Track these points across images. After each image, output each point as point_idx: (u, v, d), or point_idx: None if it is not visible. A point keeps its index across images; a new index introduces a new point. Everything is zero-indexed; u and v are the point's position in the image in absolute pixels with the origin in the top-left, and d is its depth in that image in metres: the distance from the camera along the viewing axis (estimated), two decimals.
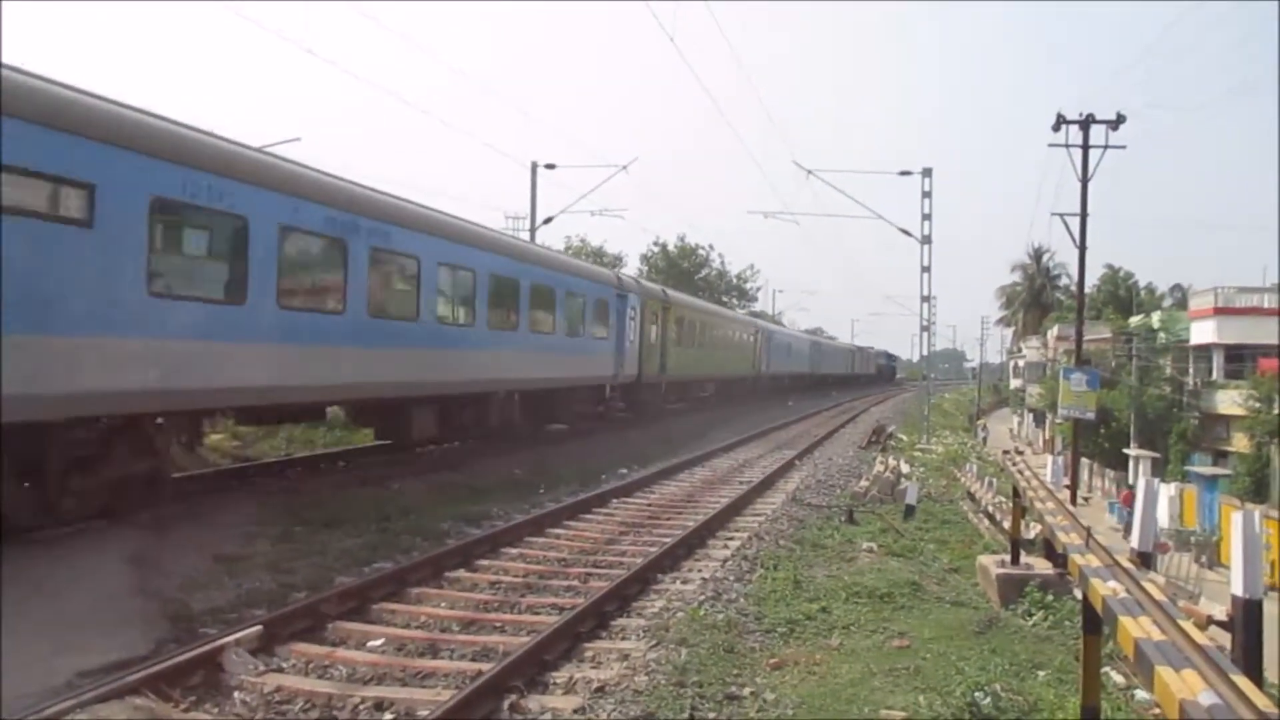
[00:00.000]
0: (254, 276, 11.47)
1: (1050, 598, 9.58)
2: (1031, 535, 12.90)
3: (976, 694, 6.61)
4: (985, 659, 7.52)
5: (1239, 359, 39.73)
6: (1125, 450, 43.21)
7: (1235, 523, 10.93)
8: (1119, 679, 7.60)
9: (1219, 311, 40.67)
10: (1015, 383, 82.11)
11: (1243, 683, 3.55)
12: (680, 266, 73.21)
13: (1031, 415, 71.08)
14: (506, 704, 6.15)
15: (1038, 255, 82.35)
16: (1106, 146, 26.64)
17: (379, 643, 7.38)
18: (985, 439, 52.10)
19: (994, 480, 20.19)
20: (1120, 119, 26.42)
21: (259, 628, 6.97)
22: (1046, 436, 59.65)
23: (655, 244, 74.37)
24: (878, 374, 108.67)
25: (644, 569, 9.70)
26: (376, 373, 14.21)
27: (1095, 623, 5.46)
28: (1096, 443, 43.79)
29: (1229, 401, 37.93)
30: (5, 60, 8.33)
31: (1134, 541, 15.48)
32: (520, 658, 6.66)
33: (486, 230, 19.62)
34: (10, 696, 5.59)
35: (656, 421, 28.25)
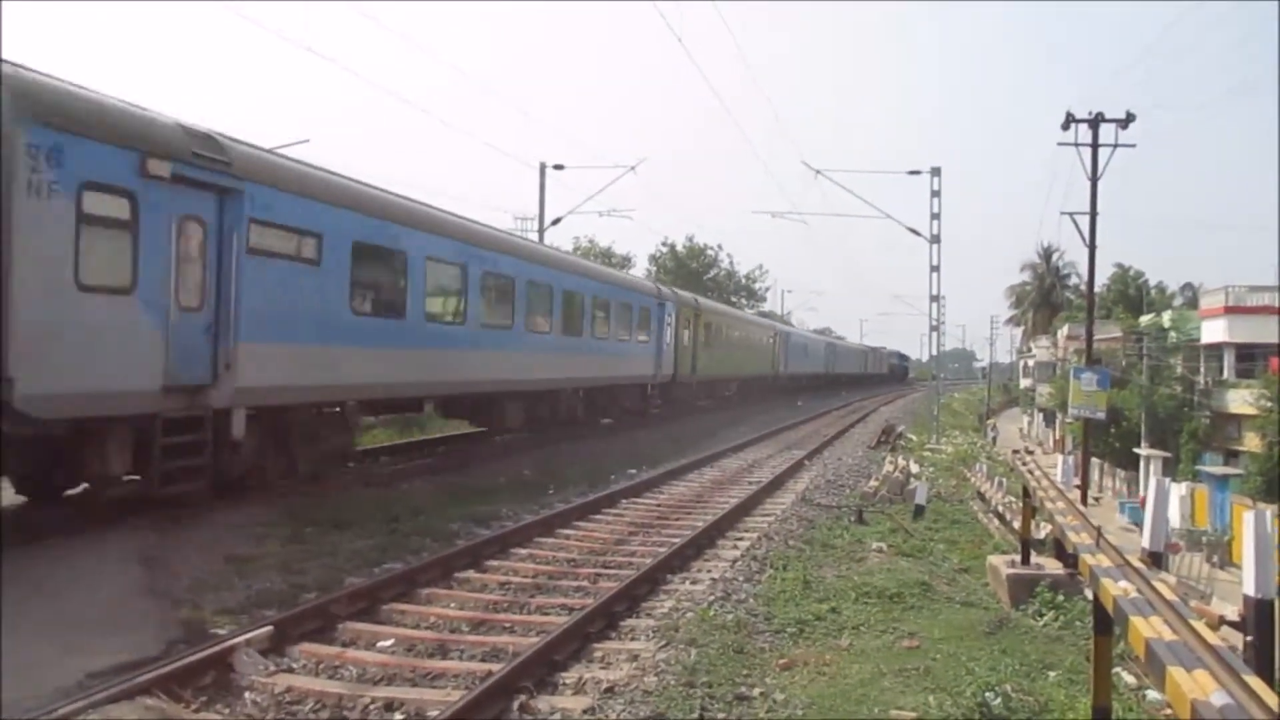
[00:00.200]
0: (410, 297, 14.92)
1: (1061, 598, 9.55)
2: (1042, 535, 12.87)
3: (987, 694, 6.60)
4: (996, 659, 7.50)
5: (1250, 358, 39.56)
6: (1136, 450, 43.06)
7: (1247, 522, 10.92)
8: (1130, 679, 7.57)
9: (1230, 310, 40.49)
10: (1025, 382, 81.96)
11: (1255, 683, 3.53)
12: (689, 267, 73.24)
13: (1041, 415, 70.92)
14: (516, 704, 6.15)
15: (1047, 254, 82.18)
16: (1116, 145, 26.63)
17: (389, 643, 7.39)
18: (995, 439, 51.96)
19: (1004, 480, 20.11)
20: (1130, 117, 26.38)
21: (269, 628, 7.00)
22: (1057, 436, 59.48)
23: (664, 244, 74.52)
24: (890, 374, 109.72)
25: (653, 569, 9.70)
26: (484, 372, 17.56)
27: (1106, 623, 5.44)
28: (1107, 442, 43.64)
29: (1240, 401, 37.75)
30: (211, 128, 11.14)
31: (1145, 541, 15.44)
32: (530, 658, 6.67)
33: (559, 253, 24.90)
34: (21, 697, 5.61)
35: (689, 416, 31.02)
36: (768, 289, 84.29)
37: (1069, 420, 41.61)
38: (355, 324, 13.40)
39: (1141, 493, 36.24)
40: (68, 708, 5.39)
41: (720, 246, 77.93)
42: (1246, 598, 10.74)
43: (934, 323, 36.49)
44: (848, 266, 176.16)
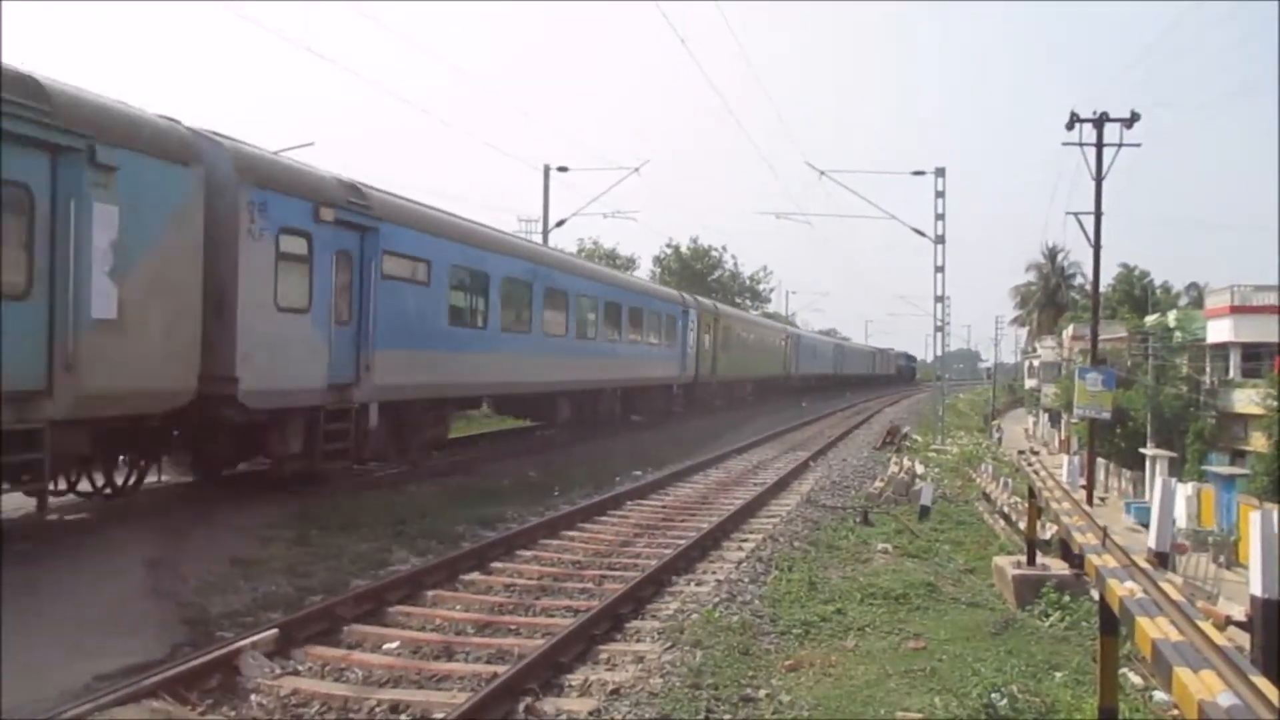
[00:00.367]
0: (490, 310, 17.75)
1: (1067, 598, 9.53)
2: (1048, 536, 12.84)
3: (993, 695, 6.59)
4: (1001, 660, 7.49)
5: (1256, 357, 39.40)
6: (1142, 450, 42.94)
7: (1253, 522, 10.89)
8: (1137, 680, 7.55)
9: (1235, 310, 40.33)
10: (1030, 383, 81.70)
11: (1262, 683, 3.52)
12: (693, 268, 73.20)
13: (1047, 415, 70.73)
14: (522, 706, 6.16)
15: (1052, 254, 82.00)
16: (1121, 145, 26.53)
17: (395, 645, 7.40)
18: (1000, 439, 51.86)
19: (1009, 481, 20.08)
20: (1135, 117, 26.28)
21: (275, 631, 7.01)
22: (1062, 436, 59.34)
23: (668, 246, 74.50)
24: (898, 375, 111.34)
25: (658, 571, 9.71)
26: (544, 374, 20.35)
27: (1112, 623, 5.43)
28: (1113, 442, 43.51)
29: (1246, 400, 37.59)
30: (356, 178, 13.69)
31: (1151, 541, 15.42)
32: (535, 660, 6.67)
33: (603, 269, 28.83)
34: (28, 700, 5.63)
35: (706, 415, 33.03)
36: (772, 290, 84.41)
37: (1074, 420, 41.49)
38: (451, 333, 16.21)
39: (1148, 493, 36.18)
40: (74, 710, 5.40)
41: (725, 248, 78.06)
42: (1253, 598, 10.72)
43: (939, 323, 36.48)
44: (852, 267, 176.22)
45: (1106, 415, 28.95)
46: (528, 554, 10.78)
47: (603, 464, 18.31)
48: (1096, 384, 27.95)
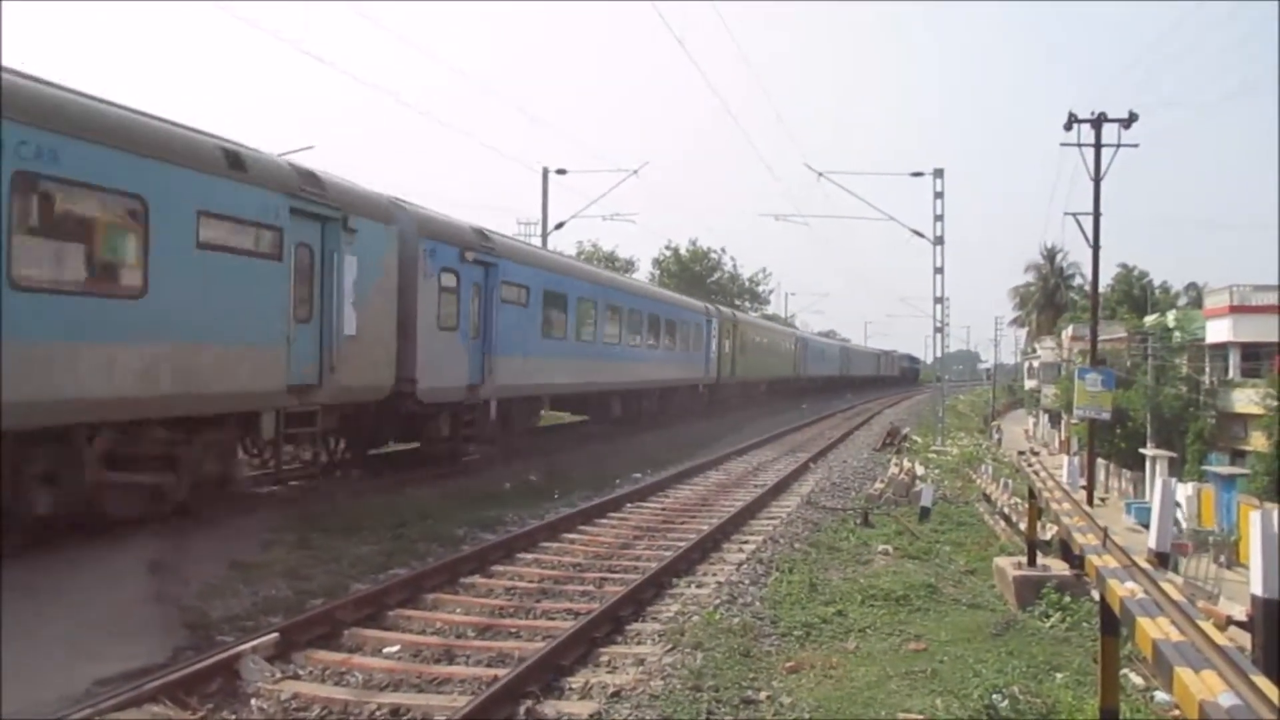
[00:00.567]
0: (568, 324, 21.66)
1: (1068, 599, 9.51)
2: (1048, 536, 12.82)
3: (994, 696, 6.59)
4: (1002, 661, 7.48)
5: (1255, 357, 39.41)
6: (1142, 450, 42.93)
7: (1254, 522, 10.86)
8: (1138, 680, 7.54)
9: (1234, 310, 40.34)
10: (1030, 383, 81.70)
11: (1263, 683, 3.52)
12: (692, 270, 73.18)
13: (1047, 416, 70.75)
14: (523, 709, 6.15)
15: (1051, 255, 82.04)
16: (1119, 145, 26.54)
17: (395, 649, 7.39)
18: (1000, 440, 51.85)
19: (1010, 481, 20.05)
20: (1133, 117, 26.29)
21: (275, 635, 7.00)
22: (1062, 437, 59.32)
23: (667, 248, 74.50)
24: (901, 376, 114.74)
25: (659, 573, 9.70)
26: (604, 376, 24.22)
27: (1113, 624, 5.43)
28: (1113, 443, 43.51)
29: (1246, 400, 37.59)
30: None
31: (1151, 541, 15.41)
32: (536, 663, 6.67)
33: (645, 285, 34.30)
34: (28, 704, 5.63)
35: (729, 412, 36.38)
36: (771, 291, 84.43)
37: (1074, 421, 41.49)
38: (542, 344, 19.96)
39: (1148, 493, 36.15)
40: (75, 715, 5.40)
41: (724, 250, 78.02)
42: (1254, 598, 10.69)
43: (938, 324, 36.46)
44: (852, 268, 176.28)
45: (1106, 416, 28.94)
46: (528, 557, 10.78)
47: (606, 464, 18.94)
48: (1096, 384, 27.94)
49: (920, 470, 20.65)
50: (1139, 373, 44.67)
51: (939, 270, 32.95)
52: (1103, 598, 5.46)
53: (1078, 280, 78.76)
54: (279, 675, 6.64)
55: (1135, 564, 5.61)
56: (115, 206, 9.51)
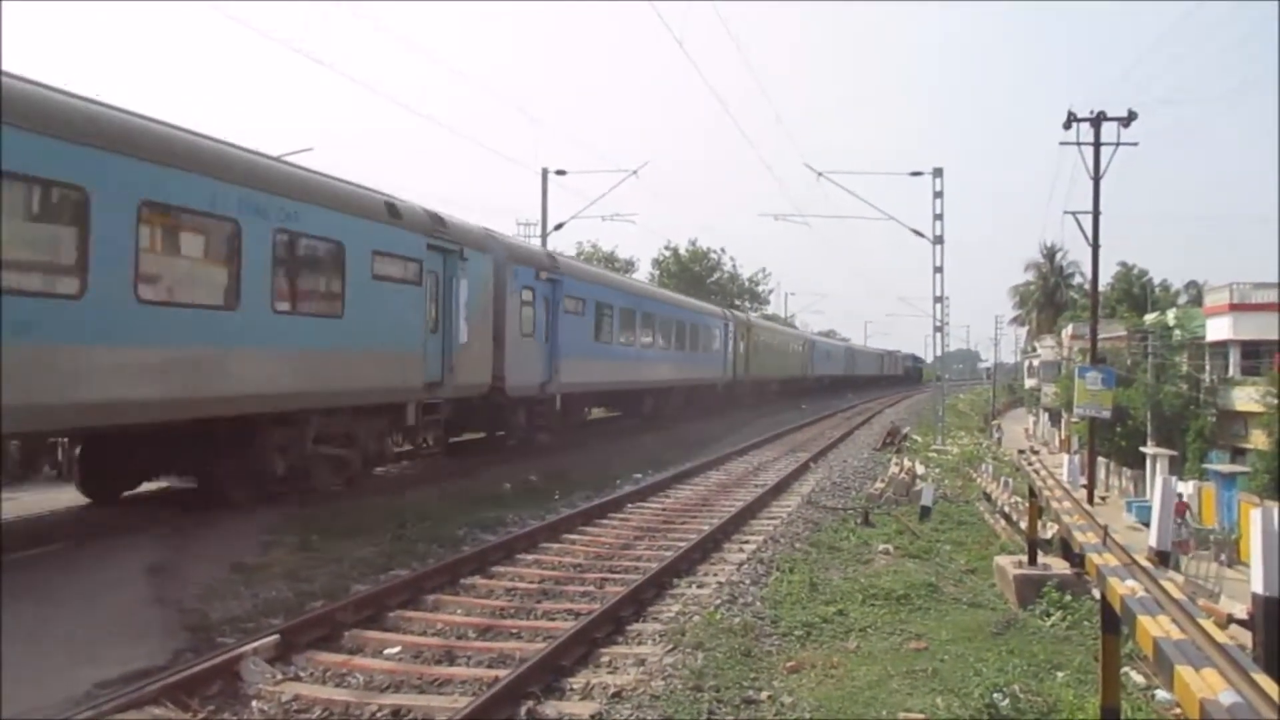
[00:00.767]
0: (614, 331, 24.94)
1: (1068, 598, 9.52)
2: (1049, 535, 12.82)
3: (995, 695, 6.58)
4: (1003, 660, 7.49)
5: (1256, 355, 39.42)
6: (1142, 448, 42.92)
7: (1254, 520, 10.89)
8: (1139, 679, 7.54)
9: (1235, 308, 40.35)
10: (1030, 382, 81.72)
11: (1264, 681, 3.51)
12: (692, 270, 73.19)
13: (1047, 415, 70.71)
14: (524, 710, 6.15)
15: (1051, 254, 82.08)
16: (1118, 144, 26.56)
17: (396, 650, 7.39)
18: (1000, 439, 51.82)
19: (1010, 480, 20.05)
20: (1132, 115, 26.32)
21: (276, 637, 7.00)
22: (1062, 435, 59.29)
23: (667, 248, 74.55)
24: (905, 375, 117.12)
25: (659, 573, 9.70)
26: (640, 375, 27.65)
27: (1114, 622, 5.42)
28: (1113, 441, 43.49)
29: (1246, 398, 37.60)
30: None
31: (1152, 540, 15.41)
32: (537, 664, 6.67)
33: (673, 295, 36.42)
34: (30, 707, 5.63)
35: (740, 410, 38.34)
36: (771, 291, 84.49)
37: (1074, 419, 41.48)
38: (594, 348, 23.37)
39: (1148, 492, 36.09)
40: (78, 717, 5.40)
41: (723, 250, 78.12)
42: (1255, 595, 10.72)
43: (938, 324, 36.44)
44: (853, 268, 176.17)
45: (1106, 414, 28.95)
46: (529, 557, 10.77)
47: (608, 465, 19.28)
48: (1096, 383, 27.96)
49: (921, 469, 20.66)
50: (1139, 371, 44.68)
51: (938, 269, 32.95)
52: (1103, 596, 5.46)
53: (1077, 279, 78.81)
54: (280, 677, 6.64)
55: (1136, 562, 5.61)
56: (331, 251, 12.81)
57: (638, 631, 8.12)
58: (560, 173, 33.67)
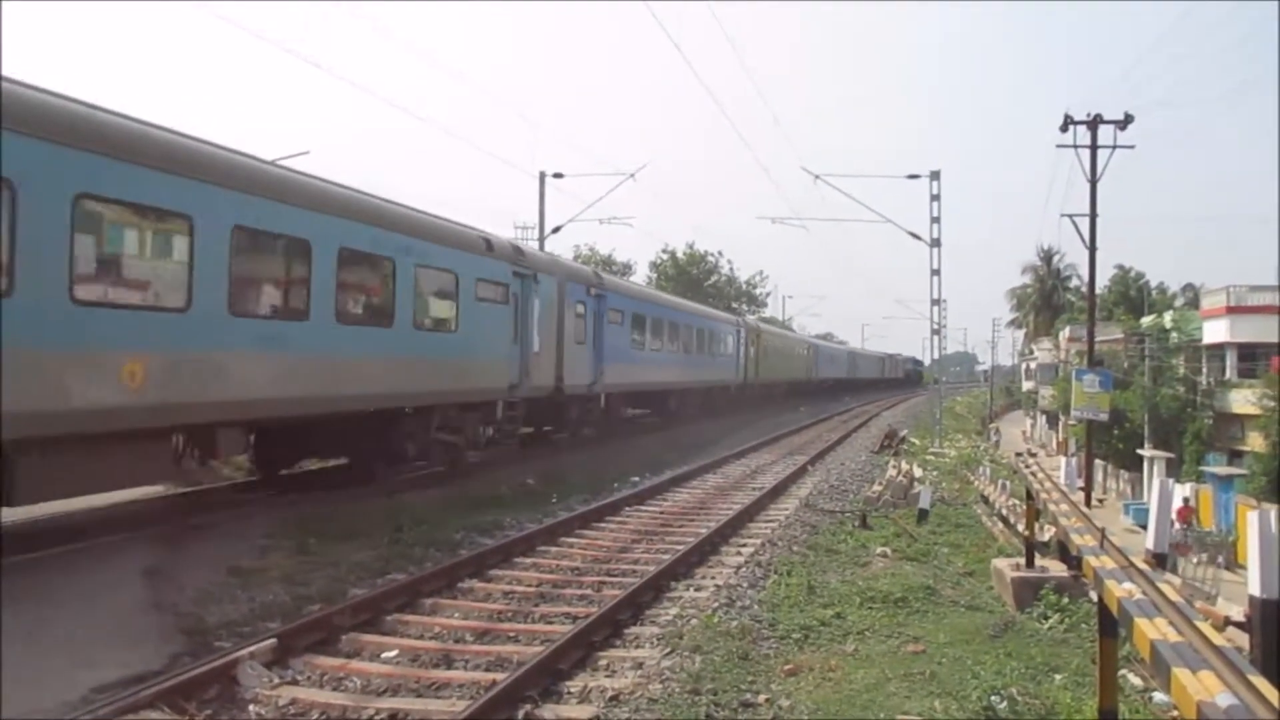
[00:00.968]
0: (649, 337, 27.98)
1: (1066, 600, 9.53)
2: (1046, 538, 12.84)
3: (993, 698, 6.59)
4: (1001, 663, 7.49)
5: (1252, 357, 39.43)
6: (1140, 451, 42.93)
7: (1252, 522, 10.89)
8: (1136, 681, 7.55)
9: (1231, 310, 40.35)
10: (1028, 385, 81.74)
11: (1261, 684, 3.52)
12: (689, 274, 73.19)
13: (1045, 417, 70.72)
14: (521, 714, 6.15)
15: (1048, 257, 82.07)
16: (1115, 147, 26.58)
17: (393, 654, 7.38)
18: (998, 442, 51.86)
19: (1008, 483, 20.07)
20: (1129, 118, 26.34)
21: (273, 640, 7.00)
22: (1060, 438, 59.30)
23: (664, 251, 74.58)
24: (906, 378, 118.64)
25: (657, 576, 9.69)
26: (667, 377, 30.29)
27: (1111, 625, 5.43)
28: (1110, 444, 43.49)
29: (1243, 401, 37.59)
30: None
31: (1149, 542, 15.41)
32: (534, 667, 6.66)
33: (694, 305, 38.90)
34: (27, 712, 5.61)
35: (746, 411, 40.10)
36: (768, 295, 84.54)
37: (1072, 422, 41.48)
38: (630, 353, 26.27)
39: (1146, 494, 36.05)
40: None
41: (720, 253, 78.12)
42: (1252, 598, 10.71)
43: (935, 326, 36.49)
44: (851, 270, 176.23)
45: (1104, 417, 28.98)
46: (526, 561, 10.76)
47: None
48: (1093, 385, 27.98)
49: (918, 472, 20.68)
50: (1136, 374, 44.70)
51: (936, 272, 33.00)
52: (1101, 599, 5.46)
53: (1075, 281, 78.83)
54: (277, 681, 6.63)
55: (1133, 565, 5.62)
56: (450, 280, 15.67)
57: (635, 635, 8.11)
58: (558, 176, 33.70)
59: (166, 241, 10.14)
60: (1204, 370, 42.90)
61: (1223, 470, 37.55)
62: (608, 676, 7.03)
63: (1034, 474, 10.99)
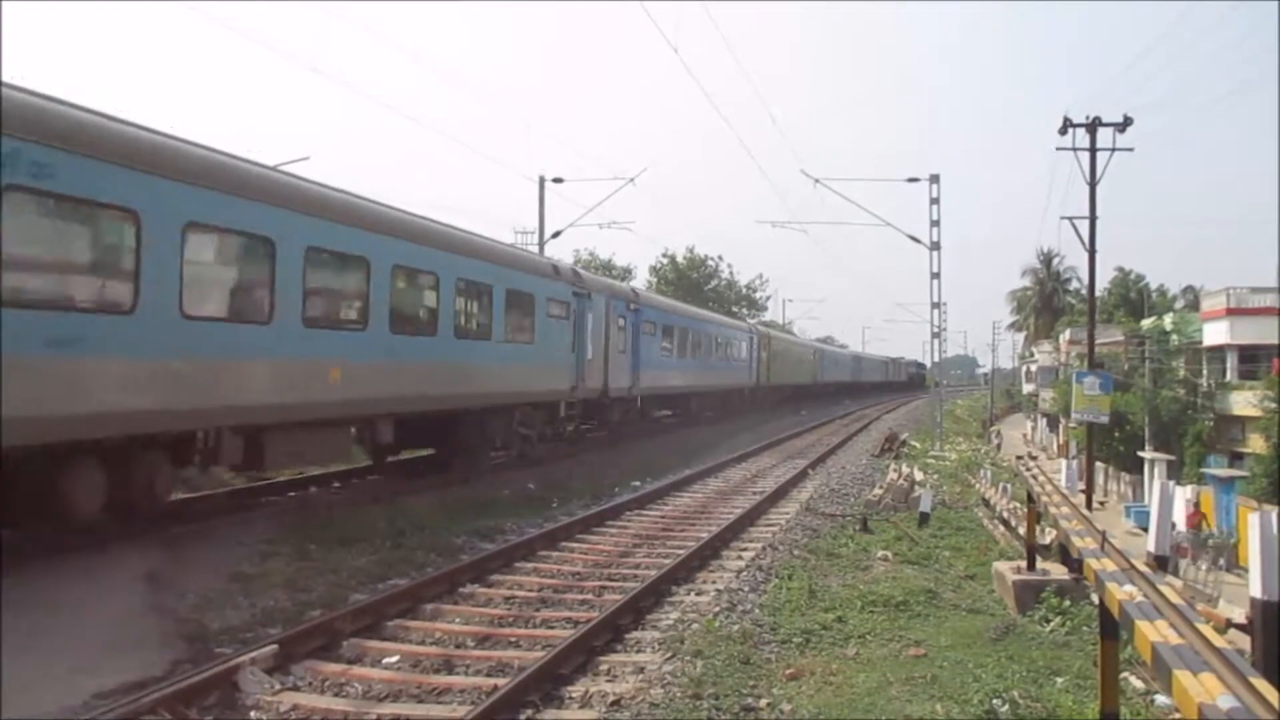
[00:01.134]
0: (674, 344, 30.86)
1: (1067, 603, 9.52)
2: (1047, 541, 12.83)
3: (994, 701, 6.59)
4: (1002, 666, 7.48)
5: (1253, 359, 39.45)
6: (1140, 453, 42.94)
7: (1253, 524, 10.86)
8: (1138, 684, 7.54)
9: (1231, 312, 40.39)
10: (1028, 387, 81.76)
11: (1262, 686, 3.52)
12: (689, 278, 73.18)
13: (1045, 420, 70.73)
14: (523, 719, 6.14)
15: (1048, 259, 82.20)
16: (1114, 149, 26.59)
17: (394, 659, 7.38)
18: (999, 444, 51.85)
19: (1008, 486, 20.06)
20: (1127, 121, 26.35)
21: (274, 646, 6.99)
22: (1061, 441, 59.31)
23: (664, 255, 74.59)
24: (909, 381, 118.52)
25: (658, 581, 9.69)
26: (692, 381, 33.51)
27: (1113, 627, 5.43)
28: (1111, 446, 43.51)
29: (1244, 402, 37.62)
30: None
31: (1150, 545, 15.39)
32: (535, 673, 6.66)
33: (714, 315, 43.53)
34: (29, 716, 5.61)
35: (754, 412, 42.47)
36: (768, 298, 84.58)
37: (1072, 425, 41.49)
38: (662, 360, 29.32)
39: (1147, 496, 35.99)
40: None
41: (720, 257, 78.11)
42: (1253, 600, 10.69)
43: (935, 329, 36.48)
44: (851, 273, 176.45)
45: (1104, 419, 28.96)
46: (527, 566, 10.76)
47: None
48: (1094, 388, 27.96)
49: (919, 475, 20.66)
50: (1137, 376, 44.72)
51: (936, 275, 32.98)
52: (1102, 601, 5.46)
53: (1074, 284, 79.00)
54: (278, 686, 6.62)
55: (1134, 567, 5.62)
56: (528, 299, 18.87)
57: (636, 639, 8.11)
58: (557, 180, 33.70)
59: (355, 276, 13.25)
60: (1204, 372, 42.91)
61: (1223, 472, 37.51)
62: (609, 681, 7.03)
63: (1035, 477, 10.98)
